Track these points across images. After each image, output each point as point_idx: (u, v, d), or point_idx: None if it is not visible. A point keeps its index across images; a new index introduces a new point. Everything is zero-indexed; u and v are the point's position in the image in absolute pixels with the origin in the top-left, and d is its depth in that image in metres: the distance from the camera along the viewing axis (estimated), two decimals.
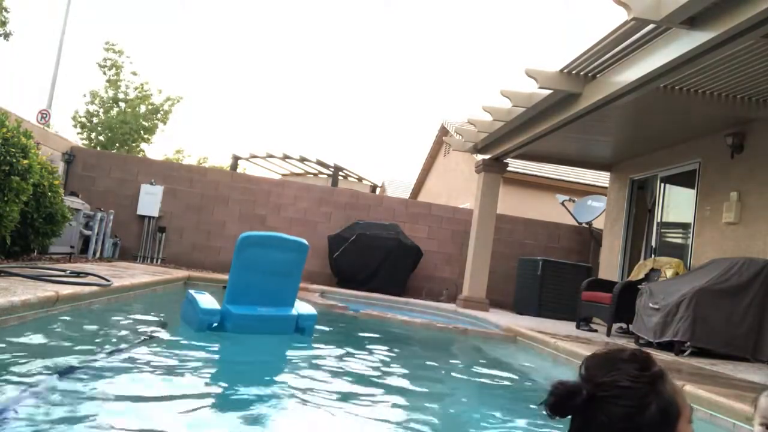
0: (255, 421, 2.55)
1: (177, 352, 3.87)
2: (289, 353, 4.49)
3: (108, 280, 5.11)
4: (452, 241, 11.41)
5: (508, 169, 10.31)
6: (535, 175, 14.43)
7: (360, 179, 16.68)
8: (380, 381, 3.74)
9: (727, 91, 6.36)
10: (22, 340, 3.29)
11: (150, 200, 10.45)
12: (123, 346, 3.66)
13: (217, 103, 63.13)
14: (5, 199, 5.50)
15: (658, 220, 8.75)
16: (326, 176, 16.23)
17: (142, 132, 21.15)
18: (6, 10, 16.82)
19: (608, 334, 7.39)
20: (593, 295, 7.79)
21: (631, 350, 1.24)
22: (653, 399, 1.16)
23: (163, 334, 4.29)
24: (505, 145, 9.04)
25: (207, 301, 4.44)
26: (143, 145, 21.98)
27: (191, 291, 4.65)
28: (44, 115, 15.66)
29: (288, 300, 4.80)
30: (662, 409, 1.15)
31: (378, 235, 10.25)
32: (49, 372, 2.74)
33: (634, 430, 1.13)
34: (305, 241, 4.75)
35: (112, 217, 9.49)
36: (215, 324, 4.43)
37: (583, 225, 11.38)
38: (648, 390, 1.16)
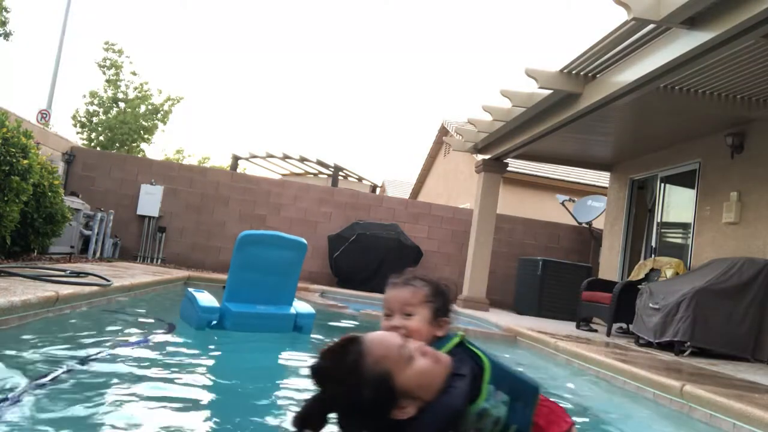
0: (253, 420, 2.55)
1: (175, 351, 3.87)
2: (288, 351, 4.49)
3: (108, 280, 5.11)
4: (452, 241, 11.41)
5: (508, 169, 10.30)
6: (535, 175, 14.43)
7: (360, 179, 16.68)
8: None
9: (727, 91, 6.36)
10: (22, 340, 3.29)
11: (150, 200, 10.45)
12: (123, 345, 3.66)
13: (217, 103, 63.21)
14: (5, 199, 5.50)
15: (658, 220, 8.75)
16: (326, 176, 16.24)
17: (141, 132, 21.15)
18: (6, 10, 16.83)
19: (608, 334, 7.39)
20: (593, 295, 7.79)
21: (330, 349, 1.42)
22: (358, 388, 1.32)
23: (163, 334, 4.29)
24: (505, 145, 9.04)
25: (206, 299, 4.45)
26: (143, 145, 22.00)
27: (190, 289, 4.66)
28: (44, 115, 15.67)
29: (286, 298, 4.81)
30: (372, 388, 1.32)
31: (378, 235, 10.25)
32: (48, 371, 2.74)
33: (369, 416, 1.33)
34: (304, 240, 4.76)
35: (112, 217, 9.49)
36: (214, 322, 4.43)
37: (583, 225, 11.38)
38: (348, 385, 1.33)
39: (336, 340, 1.48)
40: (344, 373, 1.36)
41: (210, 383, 3.17)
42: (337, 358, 1.40)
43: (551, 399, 1.82)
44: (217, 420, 2.49)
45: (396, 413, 1.38)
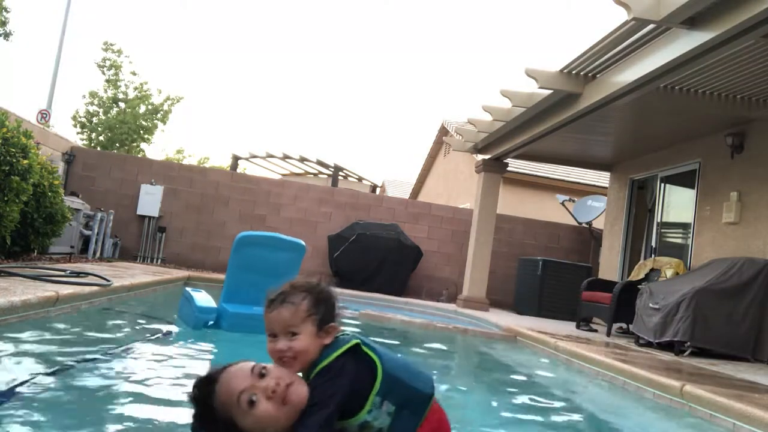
0: None
1: (174, 351, 3.87)
2: None
3: (108, 280, 5.11)
4: (452, 241, 11.41)
5: (508, 169, 10.31)
6: (535, 175, 14.43)
7: (360, 179, 16.69)
8: None
9: (727, 91, 6.36)
10: (22, 340, 3.29)
11: (150, 200, 10.45)
12: (122, 345, 3.66)
13: (217, 103, 63.24)
14: (5, 199, 5.50)
15: (658, 220, 8.74)
16: (326, 176, 16.25)
17: (141, 132, 21.15)
18: (6, 10, 16.84)
19: (608, 334, 7.39)
20: (593, 295, 7.78)
21: (195, 384, 1.61)
22: (211, 422, 1.53)
23: (162, 334, 4.28)
24: (505, 145, 9.04)
25: (203, 299, 4.44)
26: (143, 145, 22.00)
27: (188, 289, 4.65)
28: (44, 115, 15.65)
29: None
30: (221, 425, 1.51)
31: (378, 235, 10.25)
32: (48, 371, 2.74)
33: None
34: (302, 242, 4.75)
35: (112, 217, 9.49)
36: (211, 322, 4.43)
37: (583, 225, 11.38)
38: (202, 418, 1.56)
39: (205, 371, 1.65)
40: (200, 407, 1.56)
41: None
42: (196, 393, 1.58)
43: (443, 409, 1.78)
44: None
45: None
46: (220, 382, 1.57)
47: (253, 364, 1.58)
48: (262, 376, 1.54)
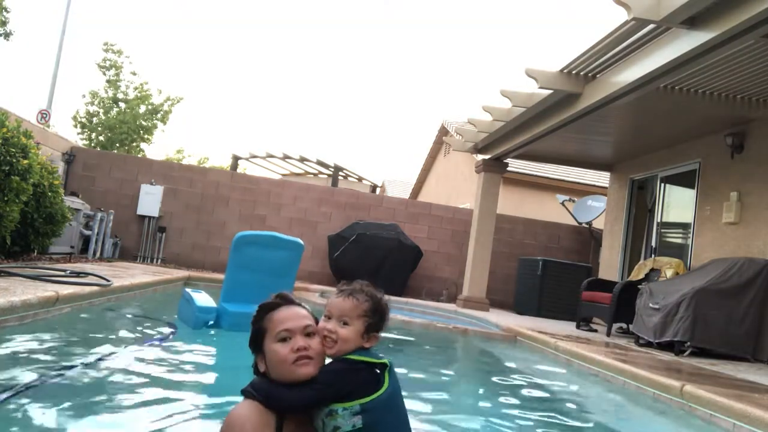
0: None
1: (174, 351, 3.87)
2: None
3: (108, 280, 5.11)
4: (452, 241, 11.41)
5: (508, 169, 10.30)
6: (535, 175, 14.43)
7: (360, 179, 16.68)
8: None
9: (727, 91, 6.36)
10: (21, 340, 3.29)
11: (150, 200, 10.45)
12: (122, 345, 3.66)
13: (217, 103, 63.23)
14: (5, 199, 5.50)
15: (658, 220, 8.74)
16: (326, 176, 16.24)
17: (141, 132, 21.15)
18: (6, 10, 16.85)
19: (608, 334, 7.39)
20: (593, 295, 7.78)
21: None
22: (253, 321, 1.86)
23: (161, 334, 4.29)
24: (505, 145, 9.04)
25: (203, 299, 4.44)
26: (143, 145, 22.00)
27: (187, 289, 4.65)
28: (44, 115, 15.64)
29: None
30: (253, 329, 1.84)
31: (378, 235, 10.25)
32: (48, 372, 2.74)
33: (252, 346, 1.85)
34: (300, 241, 4.76)
35: (112, 217, 9.49)
36: (211, 322, 4.43)
37: (583, 225, 11.38)
38: (254, 316, 1.86)
39: (288, 295, 1.87)
40: (263, 307, 1.85)
41: (208, 383, 3.17)
42: (271, 298, 1.86)
43: None
44: (215, 419, 2.49)
45: (258, 359, 1.80)
46: (286, 307, 1.81)
47: (311, 322, 1.78)
48: (306, 334, 1.74)
